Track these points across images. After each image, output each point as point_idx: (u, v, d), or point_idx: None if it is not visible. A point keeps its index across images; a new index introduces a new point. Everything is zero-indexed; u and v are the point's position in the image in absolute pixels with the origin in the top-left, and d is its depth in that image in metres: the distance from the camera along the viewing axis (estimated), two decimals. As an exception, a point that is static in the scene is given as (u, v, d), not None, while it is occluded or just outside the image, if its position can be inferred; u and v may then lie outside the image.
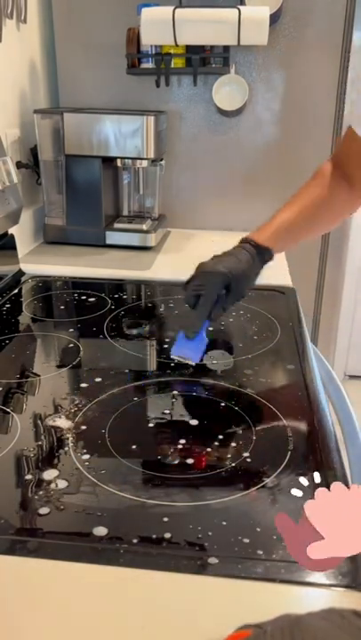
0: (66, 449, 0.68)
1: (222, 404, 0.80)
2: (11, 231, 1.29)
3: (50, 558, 0.52)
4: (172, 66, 1.50)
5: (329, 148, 1.63)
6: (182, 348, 0.86)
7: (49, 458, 0.67)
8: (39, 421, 0.74)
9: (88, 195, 1.48)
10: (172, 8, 1.31)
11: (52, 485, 0.62)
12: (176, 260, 1.46)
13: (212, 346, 0.97)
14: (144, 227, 1.52)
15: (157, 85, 1.52)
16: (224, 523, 0.57)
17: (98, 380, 0.85)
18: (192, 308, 0.87)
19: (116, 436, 0.71)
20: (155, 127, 1.42)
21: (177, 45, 1.38)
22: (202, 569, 0.52)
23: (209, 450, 0.69)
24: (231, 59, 1.53)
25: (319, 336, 1.93)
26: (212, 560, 0.52)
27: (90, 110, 1.47)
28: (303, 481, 0.63)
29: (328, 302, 1.87)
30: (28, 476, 0.63)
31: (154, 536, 0.55)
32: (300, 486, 0.62)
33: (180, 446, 0.69)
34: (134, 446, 0.70)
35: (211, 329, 0.95)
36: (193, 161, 1.68)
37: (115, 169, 1.55)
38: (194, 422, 0.75)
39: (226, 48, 1.51)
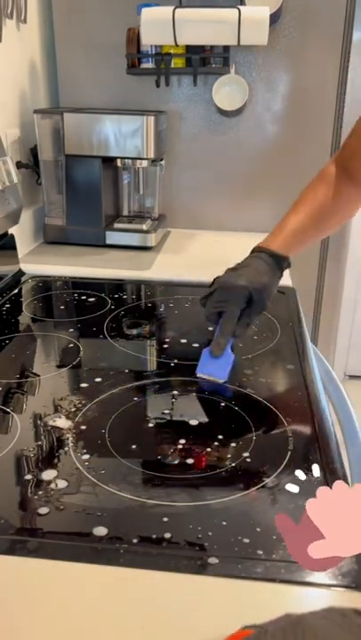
0: (66, 449, 0.68)
1: (222, 404, 0.80)
2: (11, 231, 1.29)
3: (50, 558, 0.52)
4: (172, 66, 1.50)
5: (329, 148, 1.63)
6: (208, 366, 0.85)
7: (49, 458, 0.67)
8: (39, 421, 0.74)
9: (88, 195, 1.48)
10: (172, 8, 1.31)
11: (52, 485, 0.62)
12: (176, 260, 1.46)
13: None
14: (144, 227, 1.52)
15: (157, 85, 1.52)
16: (224, 523, 0.57)
17: (98, 380, 0.85)
18: (214, 324, 0.86)
19: (116, 436, 0.71)
20: (155, 127, 1.42)
21: (177, 45, 1.38)
22: (202, 569, 0.52)
23: (209, 450, 0.69)
24: (231, 59, 1.53)
25: (319, 336, 1.93)
26: (212, 560, 0.52)
27: (90, 110, 1.47)
28: (303, 481, 0.63)
29: (328, 302, 1.87)
30: (28, 476, 0.63)
31: (154, 536, 0.55)
32: (299, 486, 0.62)
33: (180, 446, 0.69)
34: (134, 446, 0.70)
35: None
36: (193, 161, 1.68)
37: (115, 169, 1.55)
38: (194, 422, 0.75)
39: (226, 48, 1.51)
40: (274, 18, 1.44)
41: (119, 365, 0.91)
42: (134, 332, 1.05)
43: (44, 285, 1.27)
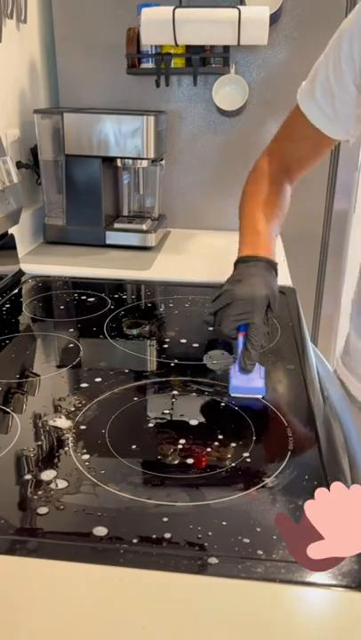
0: (66, 449, 0.68)
1: (222, 404, 0.80)
2: (11, 231, 1.29)
3: (50, 558, 0.52)
4: (172, 66, 1.49)
5: (329, 148, 1.63)
6: (242, 383, 0.81)
7: (49, 458, 0.67)
8: (39, 421, 0.74)
9: (88, 195, 1.48)
10: (172, 8, 1.31)
11: (52, 485, 0.62)
12: (176, 260, 1.46)
13: (212, 346, 0.97)
14: (144, 227, 1.52)
15: (157, 85, 1.51)
16: (224, 523, 0.57)
17: (98, 380, 0.85)
18: (233, 339, 0.84)
19: (116, 436, 0.71)
20: (155, 127, 1.42)
21: (177, 45, 1.38)
22: (202, 569, 0.52)
23: (209, 450, 0.69)
24: (231, 59, 1.53)
25: (319, 336, 1.93)
26: (212, 560, 0.52)
27: (90, 110, 1.47)
28: (303, 481, 0.63)
29: (328, 302, 1.87)
30: (28, 476, 0.63)
31: (154, 536, 0.55)
32: (299, 486, 0.62)
33: (180, 446, 0.69)
34: (134, 446, 0.70)
35: (211, 328, 0.95)
36: (193, 161, 1.68)
37: (115, 169, 1.55)
38: (194, 422, 0.75)
39: (226, 48, 1.51)
40: (274, 18, 1.44)
41: (119, 365, 0.91)
42: (134, 331, 1.05)
43: (44, 285, 1.27)
